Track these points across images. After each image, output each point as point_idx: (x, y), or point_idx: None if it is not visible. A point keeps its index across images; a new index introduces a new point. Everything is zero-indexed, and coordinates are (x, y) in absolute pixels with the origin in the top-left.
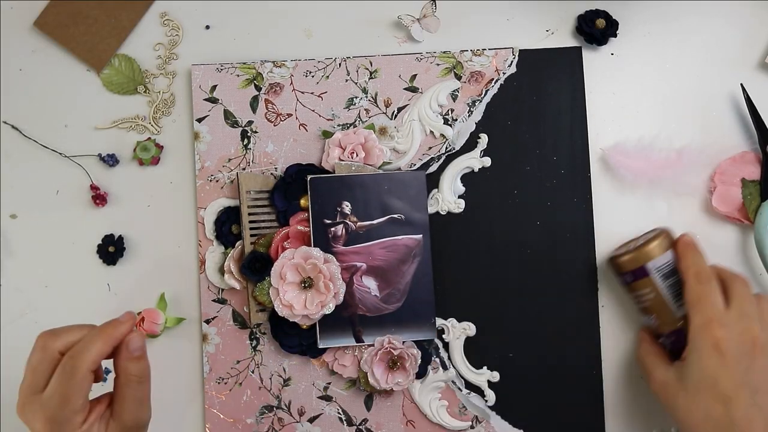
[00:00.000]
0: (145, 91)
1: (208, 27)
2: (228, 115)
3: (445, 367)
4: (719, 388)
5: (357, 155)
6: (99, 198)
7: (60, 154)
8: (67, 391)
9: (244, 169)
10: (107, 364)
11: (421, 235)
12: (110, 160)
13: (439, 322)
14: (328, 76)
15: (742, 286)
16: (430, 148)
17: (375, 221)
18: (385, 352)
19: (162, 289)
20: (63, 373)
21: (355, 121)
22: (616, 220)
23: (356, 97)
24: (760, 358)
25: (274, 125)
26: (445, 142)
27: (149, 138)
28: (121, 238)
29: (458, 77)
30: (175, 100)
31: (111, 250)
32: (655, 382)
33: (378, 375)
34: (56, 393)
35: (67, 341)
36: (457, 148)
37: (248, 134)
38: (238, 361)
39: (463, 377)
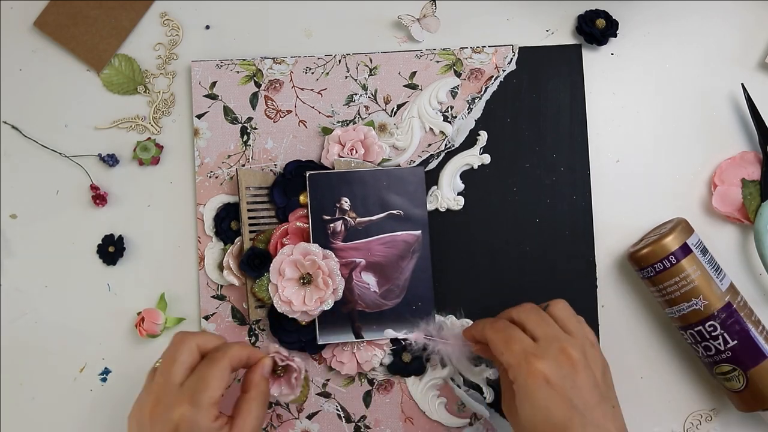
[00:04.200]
0: (145, 91)
1: (208, 27)
2: (228, 112)
3: (443, 365)
4: (553, 419)
5: (356, 152)
6: (99, 198)
7: (60, 154)
8: (210, 377)
9: (243, 165)
10: (108, 364)
11: (420, 231)
12: (110, 160)
13: (438, 318)
14: (327, 73)
15: (531, 313)
16: (429, 145)
17: (374, 217)
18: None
19: (162, 289)
20: (208, 362)
21: (355, 118)
22: (616, 218)
23: (356, 94)
24: (580, 374)
25: (274, 122)
26: (444, 139)
27: (149, 138)
28: (121, 238)
29: (458, 74)
30: (175, 100)
31: (111, 250)
32: (504, 403)
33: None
34: (199, 378)
35: (204, 340)
36: (457, 145)
37: (248, 131)
38: None
39: (461, 374)
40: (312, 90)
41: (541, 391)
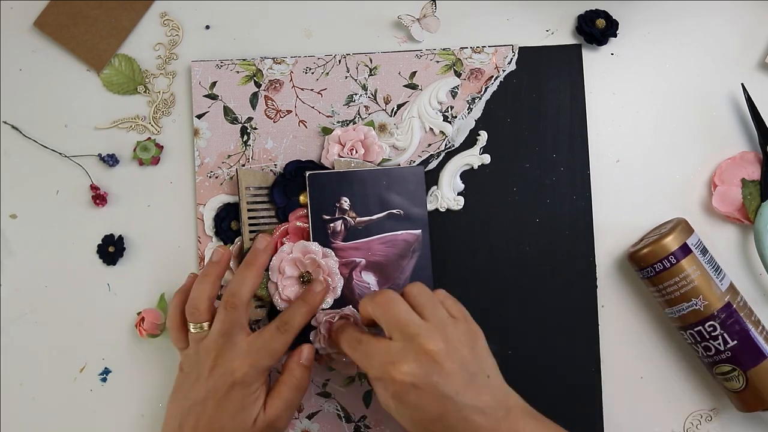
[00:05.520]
0: (145, 91)
1: (208, 27)
2: (228, 112)
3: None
4: (428, 415)
5: (356, 152)
6: (99, 198)
7: (60, 154)
8: (276, 348)
9: (243, 165)
10: (108, 364)
11: (420, 231)
12: (110, 160)
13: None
14: (327, 73)
15: (386, 307)
16: (429, 145)
17: (374, 217)
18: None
19: (162, 289)
20: (277, 331)
21: (355, 118)
22: (616, 218)
23: (356, 94)
24: (445, 364)
25: (274, 122)
26: (444, 139)
27: (149, 138)
28: (121, 238)
29: (458, 74)
30: (175, 100)
31: (111, 250)
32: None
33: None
34: (267, 345)
35: (252, 292)
36: (457, 145)
37: (248, 131)
38: None
39: None
40: (312, 90)
41: (410, 395)
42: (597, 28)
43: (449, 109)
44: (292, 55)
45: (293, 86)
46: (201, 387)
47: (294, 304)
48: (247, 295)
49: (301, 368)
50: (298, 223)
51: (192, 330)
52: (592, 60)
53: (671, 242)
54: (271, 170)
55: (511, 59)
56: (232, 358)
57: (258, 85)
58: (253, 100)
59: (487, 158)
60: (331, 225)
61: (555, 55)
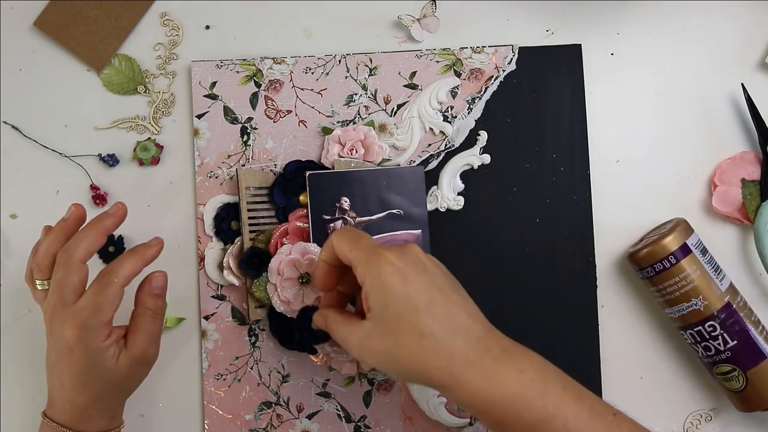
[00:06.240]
0: (145, 91)
1: (208, 27)
2: (228, 112)
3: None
4: (415, 302)
5: (356, 152)
6: (99, 198)
7: (60, 154)
8: (101, 301)
9: (243, 165)
10: None
11: (420, 230)
12: (110, 160)
13: None
14: (327, 73)
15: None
16: (429, 145)
17: (374, 216)
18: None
19: None
20: (98, 285)
21: (355, 118)
22: (616, 218)
23: (356, 94)
24: (428, 263)
25: (274, 122)
26: (444, 139)
27: (149, 138)
28: (121, 238)
29: (458, 74)
30: (175, 100)
31: (111, 250)
32: (354, 343)
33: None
34: (90, 302)
35: (88, 251)
36: (457, 145)
37: (248, 131)
38: (237, 358)
39: None
40: (312, 90)
41: (396, 278)
42: None
43: (449, 109)
44: (292, 55)
45: (293, 86)
46: (51, 349)
47: (122, 255)
48: (82, 254)
49: (154, 297)
50: (298, 224)
51: (37, 287)
52: (592, 60)
53: (671, 242)
54: (271, 170)
55: (511, 59)
56: (62, 323)
57: (258, 85)
58: (253, 100)
59: (487, 158)
60: (331, 225)
61: (555, 55)
